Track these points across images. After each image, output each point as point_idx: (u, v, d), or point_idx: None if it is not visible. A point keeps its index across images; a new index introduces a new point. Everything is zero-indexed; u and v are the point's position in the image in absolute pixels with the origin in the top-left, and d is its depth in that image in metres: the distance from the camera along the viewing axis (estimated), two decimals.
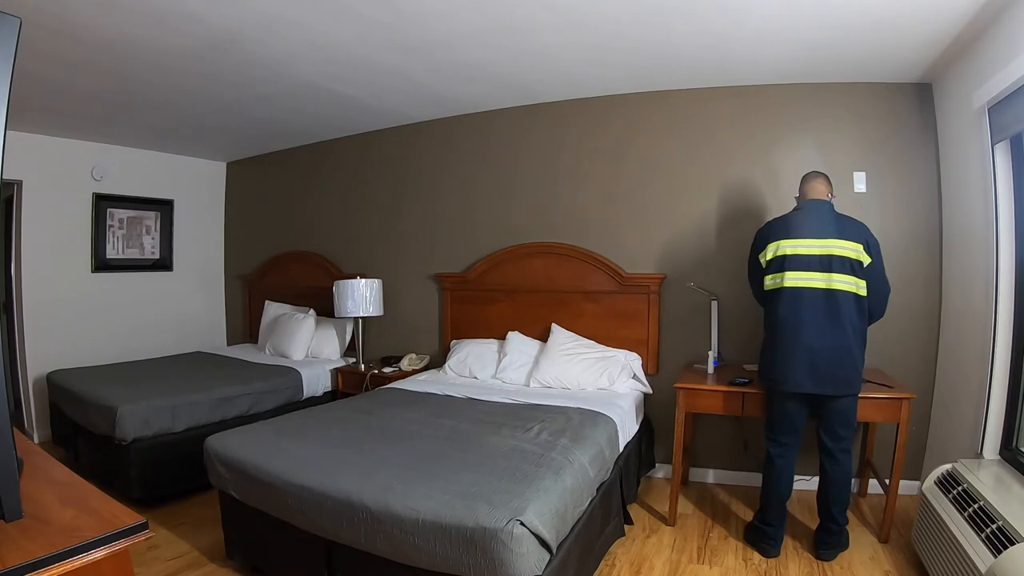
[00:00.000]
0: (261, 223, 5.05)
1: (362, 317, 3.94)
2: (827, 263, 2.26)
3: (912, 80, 2.95)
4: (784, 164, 3.16)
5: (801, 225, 2.35)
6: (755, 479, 3.20)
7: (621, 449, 2.62)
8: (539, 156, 3.71)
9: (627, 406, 2.88)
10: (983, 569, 1.67)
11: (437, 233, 4.07)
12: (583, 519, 2.01)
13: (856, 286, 2.25)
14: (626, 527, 2.63)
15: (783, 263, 2.32)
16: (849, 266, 2.25)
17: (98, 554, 0.95)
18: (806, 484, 3.12)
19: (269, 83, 3.15)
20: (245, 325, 5.15)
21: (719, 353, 3.09)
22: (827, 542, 2.37)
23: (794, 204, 2.59)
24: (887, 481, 2.55)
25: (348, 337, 4.24)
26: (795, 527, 2.67)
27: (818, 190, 2.45)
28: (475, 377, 3.45)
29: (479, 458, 2.04)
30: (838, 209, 2.43)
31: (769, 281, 2.39)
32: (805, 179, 2.52)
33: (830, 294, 2.24)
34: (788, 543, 2.51)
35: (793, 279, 2.29)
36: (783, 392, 2.34)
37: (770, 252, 2.37)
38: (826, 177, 2.50)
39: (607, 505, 2.38)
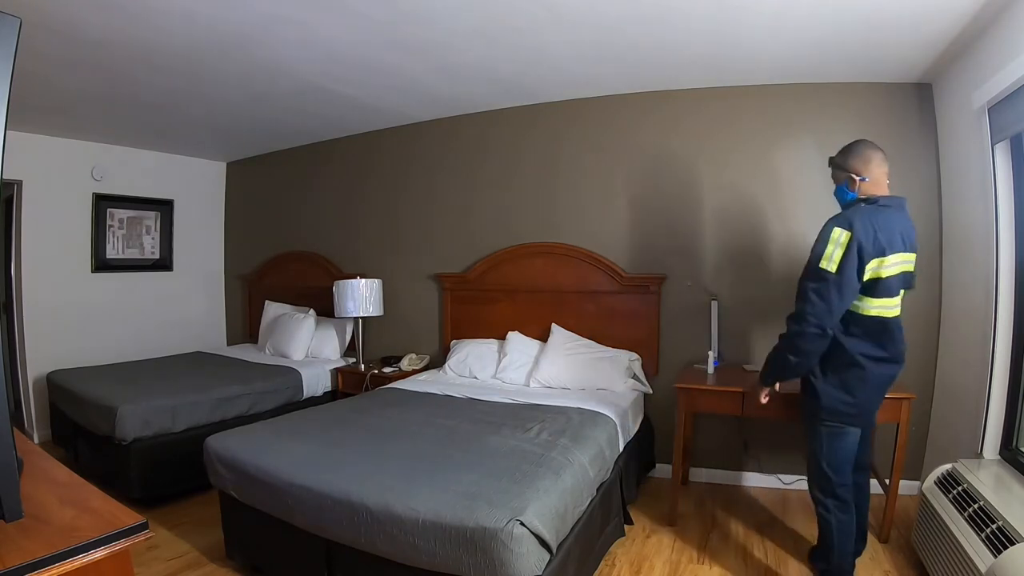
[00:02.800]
0: (261, 223, 5.05)
1: (362, 317, 3.94)
2: (902, 282, 1.92)
3: (912, 80, 2.95)
4: (784, 164, 3.16)
5: (893, 233, 1.84)
6: (755, 479, 3.21)
7: (621, 449, 2.62)
8: (539, 156, 3.71)
9: (627, 406, 2.88)
10: (983, 569, 1.67)
11: (437, 233, 4.07)
12: (583, 519, 2.01)
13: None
14: (626, 527, 2.63)
15: (875, 287, 1.83)
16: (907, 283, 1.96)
17: (98, 554, 0.95)
18: (806, 484, 3.11)
19: (269, 83, 3.15)
20: (245, 325, 5.15)
21: (719, 353, 3.09)
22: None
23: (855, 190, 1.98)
24: (887, 481, 2.55)
25: (348, 337, 4.24)
26: (795, 526, 2.67)
27: (885, 178, 1.96)
28: (475, 377, 3.45)
29: (479, 458, 2.04)
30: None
31: (856, 303, 1.87)
32: (869, 152, 1.93)
33: (896, 323, 1.92)
34: (788, 543, 2.51)
35: (879, 307, 1.86)
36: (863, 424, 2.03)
37: (869, 271, 1.81)
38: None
39: (607, 505, 2.38)
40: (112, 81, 3.01)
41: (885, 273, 1.81)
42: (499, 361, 3.45)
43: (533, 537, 1.59)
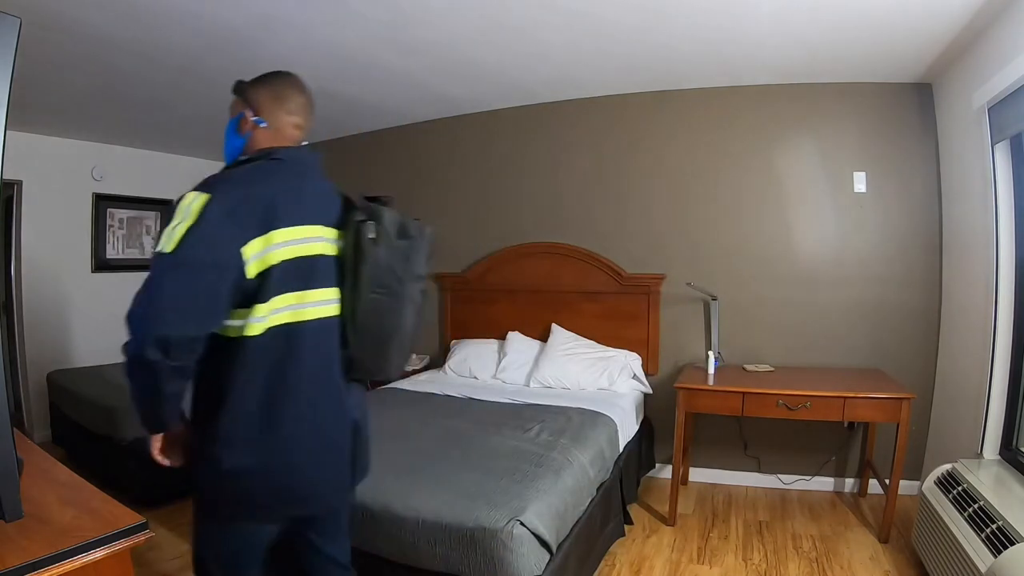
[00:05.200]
0: None
1: None
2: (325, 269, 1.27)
3: (912, 80, 2.95)
4: (784, 164, 3.16)
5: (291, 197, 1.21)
6: (755, 479, 3.21)
7: (621, 449, 2.62)
8: (539, 156, 3.70)
9: (627, 406, 2.88)
10: (983, 569, 1.67)
11: (437, 233, 4.03)
12: (583, 519, 2.01)
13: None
14: (626, 527, 2.63)
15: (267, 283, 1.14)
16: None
17: (98, 554, 0.95)
18: (806, 484, 3.12)
19: None
20: None
21: (719, 353, 3.10)
22: None
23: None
24: (887, 481, 2.55)
25: None
26: (795, 526, 2.67)
27: (296, 132, 1.33)
28: (475, 377, 3.45)
29: (479, 458, 2.04)
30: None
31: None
32: (289, 91, 1.34)
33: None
34: (787, 543, 2.51)
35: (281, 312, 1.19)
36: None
37: (253, 261, 1.12)
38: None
39: (607, 505, 2.37)
40: (112, 81, 3.01)
41: (280, 257, 1.14)
42: (499, 361, 3.45)
43: (533, 537, 1.59)
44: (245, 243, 1.10)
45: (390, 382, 1.41)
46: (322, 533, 1.36)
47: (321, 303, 1.23)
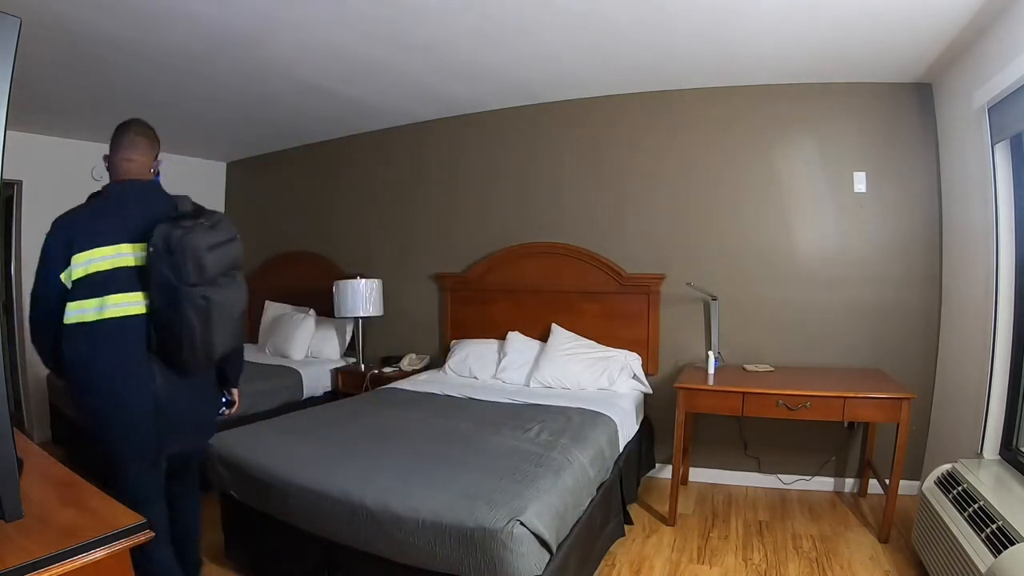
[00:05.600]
0: (261, 223, 5.03)
1: (362, 317, 3.94)
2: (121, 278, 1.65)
3: (912, 80, 2.95)
4: (784, 164, 3.16)
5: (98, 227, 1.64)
6: (755, 479, 3.21)
7: (621, 449, 2.62)
8: (540, 156, 3.70)
9: (627, 406, 2.88)
10: (983, 569, 1.67)
11: (437, 233, 4.06)
12: (583, 519, 2.01)
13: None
14: (626, 527, 2.63)
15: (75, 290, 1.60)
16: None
17: (98, 554, 0.95)
18: (806, 484, 3.12)
19: (269, 83, 3.15)
20: (245, 325, 5.14)
21: (719, 353, 3.10)
22: None
23: None
24: (887, 481, 2.55)
25: (348, 337, 4.23)
26: (795, 526, 2.67)
27: (128, 165, 1.75)
28: (475, 377, 3.45)
29: (479, 458, 2.04)
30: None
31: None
32: (118, 136, 1.78)
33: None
34: (787, 543, 2.51)
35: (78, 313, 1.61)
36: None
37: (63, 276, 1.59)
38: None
39: (607, 505, 2.37)
40: (112, 81, 3.01)
41: (78, 275, 1.57)
42: (499, 361, 3.45)
43: (533, 537, 1.59)
44: (62, 270, 1.57)
45: (205, 368, 1.78)
46: (180, 484, 1.85)
47: (123, 304, 1.61)
